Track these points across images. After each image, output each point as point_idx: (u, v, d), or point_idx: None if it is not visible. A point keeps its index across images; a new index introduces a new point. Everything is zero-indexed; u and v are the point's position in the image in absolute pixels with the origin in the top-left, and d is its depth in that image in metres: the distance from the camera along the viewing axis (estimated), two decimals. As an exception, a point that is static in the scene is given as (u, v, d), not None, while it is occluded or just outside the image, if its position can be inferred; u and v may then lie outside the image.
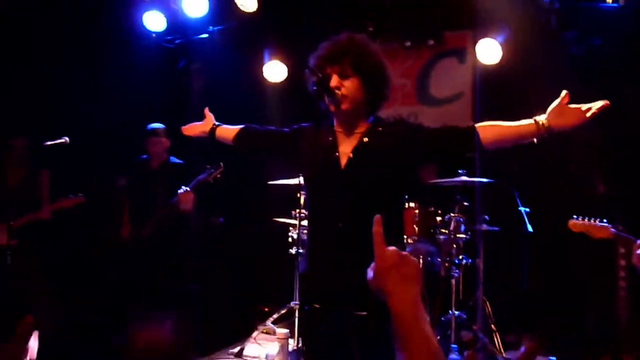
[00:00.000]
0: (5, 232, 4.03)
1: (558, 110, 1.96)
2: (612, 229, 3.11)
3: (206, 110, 2.62)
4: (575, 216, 3.20)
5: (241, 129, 2.47)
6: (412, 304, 1.04)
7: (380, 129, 2.17)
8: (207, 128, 2.56)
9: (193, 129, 2.62)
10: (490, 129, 2.05)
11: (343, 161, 2.13)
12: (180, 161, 4.62)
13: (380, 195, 2.10)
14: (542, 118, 1.97)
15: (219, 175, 4.16)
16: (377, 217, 1.13)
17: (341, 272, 2.07)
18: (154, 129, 4.52)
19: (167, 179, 4.48)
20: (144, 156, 4.65)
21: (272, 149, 2.41)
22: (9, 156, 4.42)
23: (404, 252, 1.11)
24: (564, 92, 1.96)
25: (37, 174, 4.42)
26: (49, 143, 4.11)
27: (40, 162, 4.46)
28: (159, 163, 4.58)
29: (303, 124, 2.32)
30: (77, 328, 4.45)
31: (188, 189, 4.14)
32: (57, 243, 4.58)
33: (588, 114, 1.91)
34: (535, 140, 2.00)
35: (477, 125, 2.07)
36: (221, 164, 4.14)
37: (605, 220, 3.16)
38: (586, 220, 3.18)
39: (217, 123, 2.57)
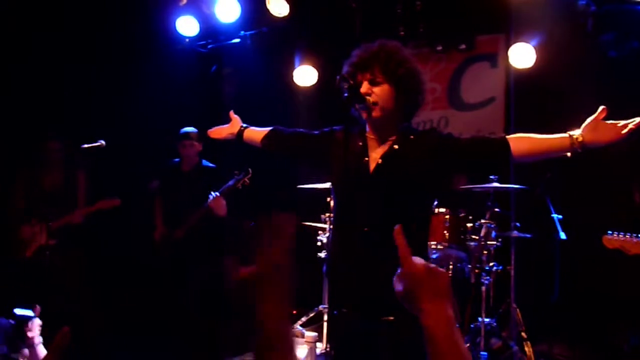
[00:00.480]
0: (45, 232, 4.16)
1: (593, 126, 1.92)
2: None
3: (231, 113, 2.63)
4: (609, 232, 3.10)
5: (270, 130, 2.49)
6: (447, 322, 1.02)
7: (412, 137, 2.17)
8: (235, 130, 2.57)
9: (220, 131, 2.64)
10: (522, 141, 2.02)
11: (372, 166, 2.14)
12: (212, 165, 4.68)
13: (407, 202, 2.10)
14: (576, 133, 1.93)
15: (247, 181, 4.19)
16: (397, 227, 1.12)
17: (366, 277, 2.07)
18: (186, 133, 4.58)
19: (199, 182, 4.54)
20: (176, 160, 4.73)
21: (301, 150, 2.42)
22: (46, 159, 4.54)
23: (432, 265, 1.08)
24: (601, 108, 1.92)
25: (73, 175, 4.53)
26: (85, 146, 4.22)
27: (76, 164, 4.57)
28: (190, 166, 4.65)
29: (334, 127, 2.33)
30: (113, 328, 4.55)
31: (218, 194, 4.19)
32: (92, 245, 4.68)
33: (624, 131, 1.87)
34: (568, 154, 1.96)
35: (509, 137, 2.04)
36: (249, 169, 4.17)
37: None
38: (621, 235, 3.07)
39: (244, 125, 2.58)
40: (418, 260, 1.08)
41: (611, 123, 1.91)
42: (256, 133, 2.53)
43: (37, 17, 4.83)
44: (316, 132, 2.37)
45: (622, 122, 1.89)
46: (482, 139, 2.13)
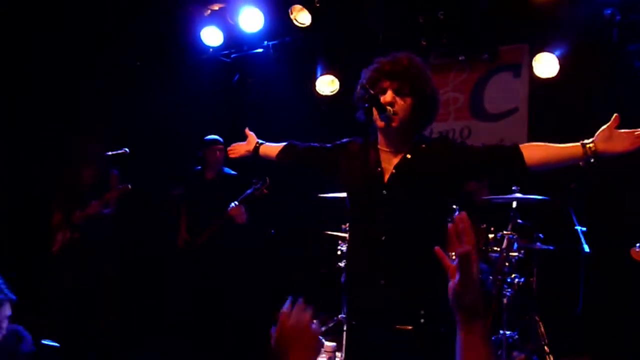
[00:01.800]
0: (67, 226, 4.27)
1: (607, 134, 1.90)
2: None
3: (247, 130, 2.73)
4: (638, 245, 3.15)
5: (284, 146, 2.57)
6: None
7: (424, 146, 2.19)
8: (251, 147, 2.67)
9: (238, 149, 2.74)
10: (534, 150, 2.03)
11: (386, 176, 2.15)
12: (234, 172, 4.73)
13: (422, 211, 2.12)
14: (589, 141, 1.92)
15: (265, 191, 4.23)
16: (463, 214, 1.19)
17: (384, 287, 2.09)
18: (214, 140, 4.66)
19: (222, 189, 4.60)
20: (198, 167, 4.78)
21: (314, 164, 2.48)
22: (82, 153, 4.62)
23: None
24: (614, 115, 1.91)
25: (107, 174, 4.61)
26: (110, 153, 4.31)
27: (108, 164, 4.66)
28: (214, 174, 4.70)
29: (345, 140, 2.38)
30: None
31: (237, 203, 4.23)
32: (117, 249, 4.75)
33: (639, 141, 1.85)
34: (581, 164, 1.96)
35: (521, 145, 2.05)
36: (267, 179, 4.21)
37: None
38: None
39: (260, 141, 2.68)
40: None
41: (625, 132, 1.89)
42: (271, 148, 2.62)
43: (69, 20, 4.94)
44: (329, 145, 2.44)
45: (638, 131, 1.86)
46: (494, 146, 2.14)
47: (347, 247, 2.26)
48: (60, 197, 4.57)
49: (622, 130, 1.89)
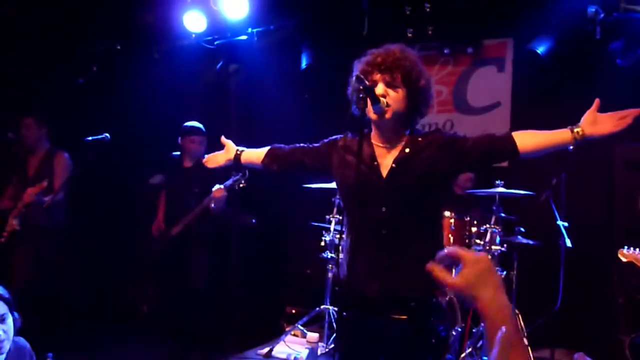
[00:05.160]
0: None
1: (592, 118, 2.01)
2: None
3: (223, 139, 2.59)
4: (626, 247, 3.29)
5: (269, 150, 2.45)
6: (510, 312, 1.07)
7: (420, 139, 2.18)
8: (231, 155, 2.53)
9: (216, 159, 2.60)
10: (526, 136, 2.09)
11: (384, 171, 2.14)
12: None
13: (423, 203, 2.12)
14: (576, 126, 2.01)
15: (243, 183, 4.16)
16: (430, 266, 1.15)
17: (384, 278, 2.10)
18: (193, 129, 4.54)
19: (201, 178, 4.52)
20: (176, 153, 4.68)
21: (306, 165, 2.37)
22: (22, 136, 4.48)
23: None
24: (596, 100, 2.01)
25: (52, 156, 4.49)
26: (89, 139, 4.19)
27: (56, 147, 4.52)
28: (192, 162, 4.61)
29: (334, 137, 2.33)
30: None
31: (222, 186, 4.15)
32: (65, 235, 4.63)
33: (622, 122, 1.95)
34: (570, 148, 2.04)
35: (513, 133, 2.10)
36: (246, 172, 4.15)
37: None
38: (636, 250, 3.25)
39: (240, 149, 2.54)
40: (482, 252, 1.12)
41: (608, 115, 1.99)
42: (254, 154, 2.49)
43: (49, 3, 4.79)
44: (317, 144, 2.37)
45: (620, 114, 1.96)
46: (488, 135, 2.15)
47: (346, 243, 2.23)
48: (11, 185, 4.49)
49: (605, 114, 2.00)
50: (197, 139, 4.52)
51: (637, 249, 3.26)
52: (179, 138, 4.59)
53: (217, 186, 4.16)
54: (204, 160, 2.68)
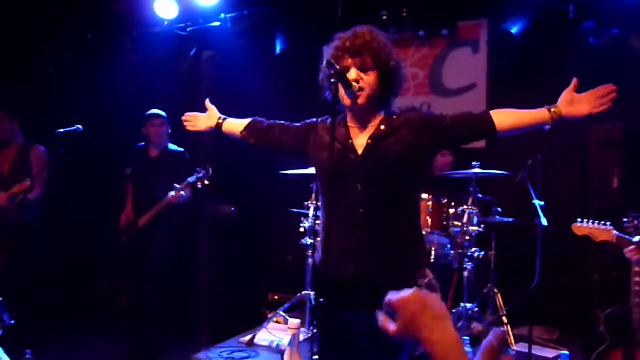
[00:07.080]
0: None
1: (569, 98, 2.01)
2: (615, 232, 3.11)
3: (207, 102, 2.54)
4: (579, 220, 3.22)
5: (249, 122, 2.43)
6: (457, 343, 0.97)
7: (395, 117, 2.18)
8: (213, 123, 2.49)
9: (197, 122, 2.55)
10: (504, 115, 2.09)
11: (360, 150, 2.13)
12: (180, 149, 4.59)
13: (400, 181, 2.11)
14: (554, 106, 2.02)
15: (207, 182, 4.12)
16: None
17: (360, 258, 2.09)
18: (152, 114, 4.50)
19: (167, 167, 4.46)
20: (142, 144, 4.62)
21: (282, 142, 2.36)
22: None
23: (424, 291, 1.04)
24: (574, 80, 2.02)
25: (27, 150, 4.39)
26: (61, 131, 4.10)
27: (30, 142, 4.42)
28: (158, 151, 4.55)
29: (314, 119, 2.30)
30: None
31: (178, 190, 4.12)
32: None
33: (601, 104, 1.96)
34: (547, 127, 2.04)
35: (492, 111, 2.11)
36: (210, 169, 4.10)
37: (609, 223, 3.16)
38: (590, 223, 3.19)
39: (223, 117, 2.50)
40: (411, 291, 1.05)
41: (586, 95, 1.99)
42: (235, 125, 2.46)
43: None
44: (297, 124, 2.36)
45: (597, 92, 1.97)
46: (466, 114, 2.15)
47: (322, 224, 2.22)
48: None
49: (582, 94, 1.99)
50: (157, 122, 4.48)
51: (591, 222, 3.18)
52: (142, 128, 4.53)
53: (171, 193, 4.13)
54: (182, 118, 2.58)
